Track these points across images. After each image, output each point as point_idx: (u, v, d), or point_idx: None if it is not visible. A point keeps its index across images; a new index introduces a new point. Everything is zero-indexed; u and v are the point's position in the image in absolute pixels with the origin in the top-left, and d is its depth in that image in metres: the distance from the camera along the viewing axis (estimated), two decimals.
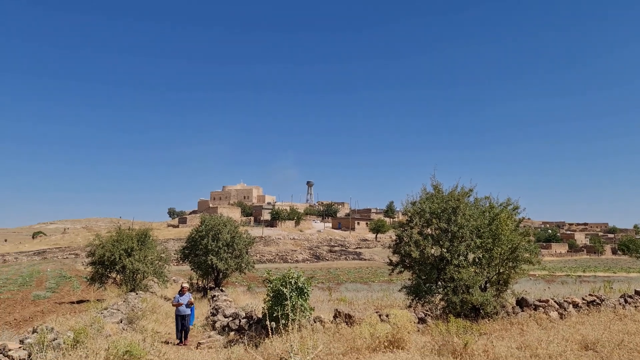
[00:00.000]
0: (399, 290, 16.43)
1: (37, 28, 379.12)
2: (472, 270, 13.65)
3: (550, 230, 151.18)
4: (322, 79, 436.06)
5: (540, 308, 13.94)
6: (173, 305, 14.60)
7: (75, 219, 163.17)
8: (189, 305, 14.44)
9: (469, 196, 15.05)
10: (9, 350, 8.19)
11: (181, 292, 14.63)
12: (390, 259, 15.87)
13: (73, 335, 9.43)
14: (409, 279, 15.39)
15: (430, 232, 14.73)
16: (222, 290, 26.57)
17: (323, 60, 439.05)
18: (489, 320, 12.85)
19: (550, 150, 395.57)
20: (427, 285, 14.42)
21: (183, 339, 13.99)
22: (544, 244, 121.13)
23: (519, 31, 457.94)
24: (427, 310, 14.08)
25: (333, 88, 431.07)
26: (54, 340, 8.95)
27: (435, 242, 14.25)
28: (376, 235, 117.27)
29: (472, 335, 9.81)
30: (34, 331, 9.49)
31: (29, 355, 8.30)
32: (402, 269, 15.34)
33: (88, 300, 22.01)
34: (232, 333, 13.61)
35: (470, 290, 13.20)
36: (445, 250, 13.93)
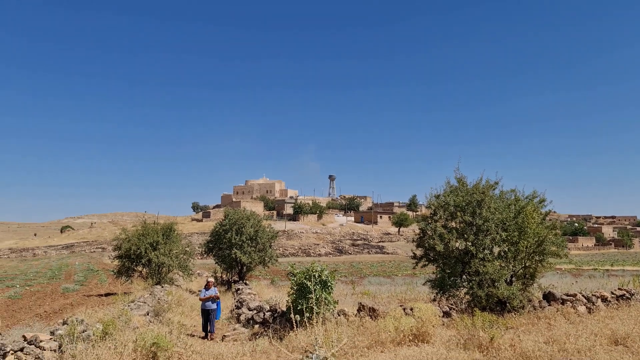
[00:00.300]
0: (423, 284, 16.34)
1: (71, 29, 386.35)
2: (498, 263, 13.50)
3: (576, 224, 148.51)
4: (341, 75, 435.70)
5: (568, 302, 13.70)
6: (200, 299, 14.63)
7: (102, 214, 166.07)
8: (215, 299, 14.43)
9: (494, 189, 14.85)
10: (41, 341, 8.38)
11: (207, 287, 14.67)
12: (414, 253, 15.78)
13: (102, 327, 9.61)
14: (433, 273, 15.29)
15: (454, 226, 14.58)
16: (246, 284, 26.78)
17: (342, 56, 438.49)
18: (515, 314, 12.69)
19: (577, 143, 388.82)
20: (452, 278, 14.30)
21: (209, 333, 13.98)
22: (571, 238, 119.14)
23: (543, 24, 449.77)
24: (451, 304, 13.97)
25: (352, 84, 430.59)
26: (83, 332, 9.13)
27: (460, 235, 14.11)
28: (399, 229, 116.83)
29: (499, 330, 9.70)
30: (64, 323, 9.69)
31: (60, 347, 8.48)
32: (426, 263, 15.23)
33: (115, 293, 22.41)
34: (256, 326, 13.71)
35: (496, 283, 13.05)
36: (470, 244, 13.78)
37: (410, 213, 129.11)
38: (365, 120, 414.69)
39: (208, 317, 14.14)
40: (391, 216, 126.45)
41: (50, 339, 8.67)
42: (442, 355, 8.09)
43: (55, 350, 8.40)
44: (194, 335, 13.86)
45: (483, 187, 14.56)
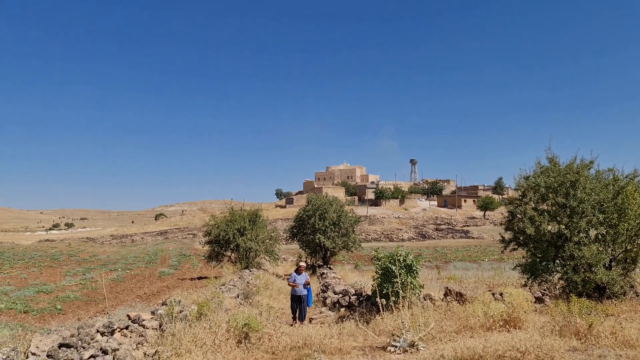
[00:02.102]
0: (513, 269, 15.76)
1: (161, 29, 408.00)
2: (595, 247, 12.71)
3: None
4: (420, 61, 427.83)
5: None
6: (289, 284, 13.95)
7: (192, 202, 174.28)
8: (306, 285, 13.68)
9: (589, 169, 13.97)
10: (143, 320, 8.99)
11: (298, 271, 13.89)
12: (502, 236, 15.25)
13: (197, 308, 10.13)
14: (523, 257, 14.70)
15: (546, 208, 13.92)
16: (330, 268, 27.14)
17: (425, 42, 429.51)
18: (615, 301, 11.93)
19: None
20: (544, 263, 13.68)
21: (300, 320, 13.28)
22: None
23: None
24: (544, 290, 13.41)
25: (431, 69, 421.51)
26: (180, 312, 9.68)
27: (552, 218, 13.43)
28: (484, 213, 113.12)
29: (597, 316, 9.16)
30: (164, 303, 10.32)
31: (160, 325, 9.04)
32: (515, 247, 14.68)
33: (207, 277, 23.52)
34: (342, 309, 13.87)
35: (593, 268, 12.33)
36: (563, 227, 13.10)
37: (496, 196, 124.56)
38: (446, 104, 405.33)
39: (300, 302, 13.54)
40: (476, 200, 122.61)
41: (152, 318, 9.27)
42: (536, 341, 7.77)
43: (156, 329, 8.97)
44: (285, 324, 13.82)
45: (577, 167, 13.75)
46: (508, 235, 14.91)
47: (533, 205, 14.02)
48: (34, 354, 6.54)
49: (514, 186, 15.61)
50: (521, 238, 14.24)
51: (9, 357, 6.00)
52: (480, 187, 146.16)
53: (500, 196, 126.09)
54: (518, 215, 14.23)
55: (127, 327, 8.48)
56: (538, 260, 13.80)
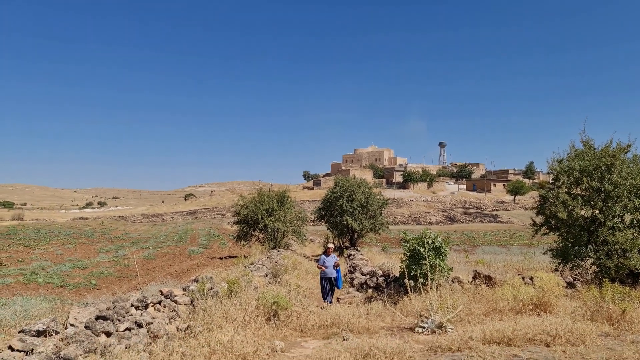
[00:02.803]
0: (544, 253, 15.55)
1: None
2: (630, 233, 12.43)
3: None
4: (448, 46, 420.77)
5: None
6: (318, 267, 13.66)
7: (221, 182, 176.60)
8: (336, 267, 13.45)
9: (626, 152, 13.58)
10: (175, 296, 9.20)
11: (326, 253, 13.65)
12: (533, 220, 15.02)
13: (227, 285, 10.32)
14: (555, 242, 14.48)
15: (579, 192, 13.63)
16: (357, 250, 27.24)
17: (455, 25, 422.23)
18: None
19: None
20: (576, 248, 13.45)
21: (329, 301, 13.00)
22: None
23: None
24: (576, 275, 13.21)
25: (460, 54, 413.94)
26: (211, 289, 9.88)
27: (586, 202, 13.16)
28: (514, 197, 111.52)
29: (631, 302, 9.00)
30: (195, 280, 10.53)
31: (192, 302, 9.25)
32: (547, 231, 14.45)
33: (236, 256, 23.87)
34: (370, 290, 13.93)
35: (628, 254, 12.07)
36: (597, 211, 12.82)
37: (526, 181, 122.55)
38: (476, 87, 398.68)
39: (330, 284, 13.36)
40: (506, 184, 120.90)
41: (183, 294, 9.48)
42: (567, 326, 7.69)
43: (187, 305, 9.18)
44: (313, 303, 13.77)
45: (613, 150, 13.37)
46: (539, 220, 14.68)
47: (566, 189, 13.75)
48: (72, 324, 6.77)
49: (545, 170, 15.33)
50: (553, 222, 14.01)
51: (49, 327, 6.22)
52: (510, 171, 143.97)
53: (531, 180, 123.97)
54: (550, 199, 13.98)
55: (160, 302, 8.69)
56: (570, 245, 13.57)
